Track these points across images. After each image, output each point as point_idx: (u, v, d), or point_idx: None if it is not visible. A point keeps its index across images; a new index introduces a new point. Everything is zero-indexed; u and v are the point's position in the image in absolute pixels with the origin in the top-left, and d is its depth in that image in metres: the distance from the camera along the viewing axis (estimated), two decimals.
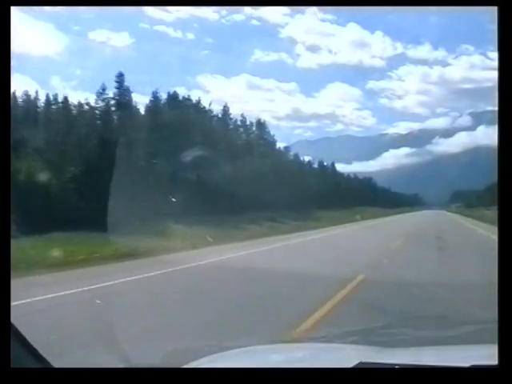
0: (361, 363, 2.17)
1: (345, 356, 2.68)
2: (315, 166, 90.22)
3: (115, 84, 36.75)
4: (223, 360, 2.79)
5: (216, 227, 26.44)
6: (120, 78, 36.58)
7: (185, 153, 33.68)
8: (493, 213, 72.75)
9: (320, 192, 68.53)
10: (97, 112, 36.31)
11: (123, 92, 36.83)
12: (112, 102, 36.34)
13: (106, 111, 35.55)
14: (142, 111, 43.75)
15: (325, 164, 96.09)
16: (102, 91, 36.52)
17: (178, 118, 39.85)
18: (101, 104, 35.66)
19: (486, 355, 2.06)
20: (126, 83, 36.43)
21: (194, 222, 26.87)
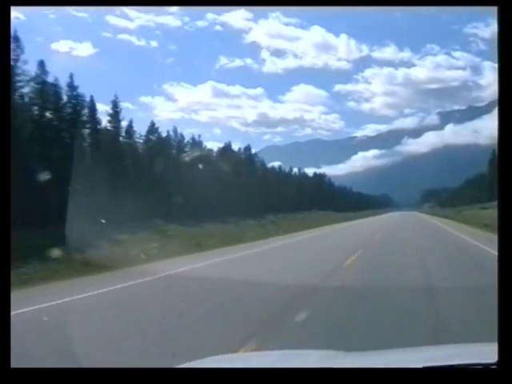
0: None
1: (316, 359, 2.63)
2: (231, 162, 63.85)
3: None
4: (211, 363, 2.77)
5: None
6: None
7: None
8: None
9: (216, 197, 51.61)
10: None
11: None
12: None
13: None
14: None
15: (242, 156, 74.45)
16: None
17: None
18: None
19: (486, 353, 2.06)
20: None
21: None
